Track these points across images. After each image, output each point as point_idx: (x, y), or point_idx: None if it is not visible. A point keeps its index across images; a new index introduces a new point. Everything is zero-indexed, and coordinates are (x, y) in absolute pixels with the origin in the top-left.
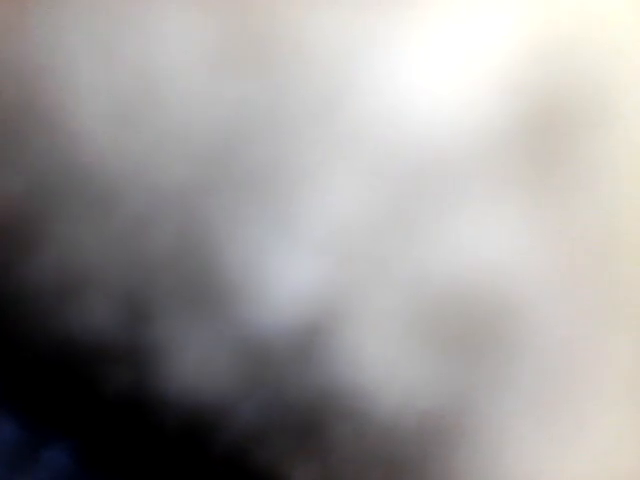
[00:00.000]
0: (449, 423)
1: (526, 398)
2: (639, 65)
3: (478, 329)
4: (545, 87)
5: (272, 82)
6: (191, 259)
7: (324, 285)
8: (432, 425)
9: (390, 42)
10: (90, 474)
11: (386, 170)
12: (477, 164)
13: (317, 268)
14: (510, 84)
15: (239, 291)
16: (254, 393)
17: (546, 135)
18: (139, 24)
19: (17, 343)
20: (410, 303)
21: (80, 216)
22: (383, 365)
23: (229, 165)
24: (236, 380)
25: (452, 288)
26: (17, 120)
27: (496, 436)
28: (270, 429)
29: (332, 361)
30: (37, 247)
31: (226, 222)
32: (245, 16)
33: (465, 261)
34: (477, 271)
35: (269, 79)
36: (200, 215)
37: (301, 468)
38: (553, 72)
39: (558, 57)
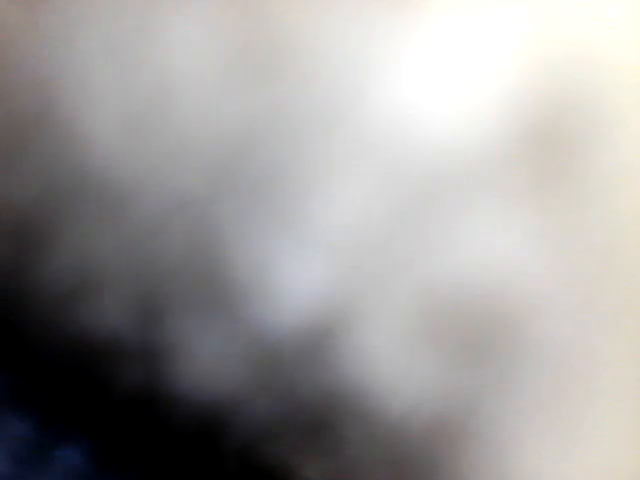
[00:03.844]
0: (457, 424)
1: (531, 400)
2: None
3: (485, 333)
4: (550, 96)
5: (281, 92)
6: (204, 261)
7: (334, 288)
8: (440, 426)
9: (399, 53)
10: (103, 472)
11: (394, 178)
12: (484, 173)
13: (327, 271)
14: (515, 94)
15: (251, 292)
16: (265, 392)
17: (552, 144)
18: (152, 35)
19: (32, 342)
20: (419, 307)
21: (95, 219)
22: (392, 367)
23: (241, 169)
24: (248, 379)
25: (460, 293)
26: (33, 126)
27: (502, 437)
28: (281, 427)
29: (342, 362)
30: (52, 249)
31: (238, 225)
32: (254, 29)
33: (472, 267)
34: (484, 278)
35: (278, 89)
36: (212, 218)
37: (312, 466)
38: (557, 82)
39: (562, 67)
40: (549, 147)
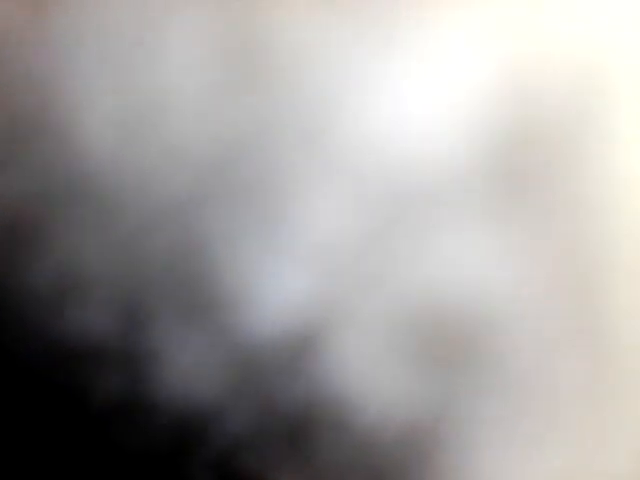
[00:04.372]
0: (427, 432)
1: (498, 410)
2: (621, 87)
3: (455, 346)
4: (523, 110)
5: (267, 104)
6: (186, 269)
7: (311, 298)
8: (411, 434)
9: (379, 72)
10: None
11: (371, 191)
12: (458, 186)
13: (305, 283)
14: (489, 109)
15: (231, 301)
16: (243, 401)
17: (525, 156)
18: (146, 45)
19: (13, 348)
20: (391, 320)
21: (81, 223)
22: (366, 377)
23: (225, 180)
24: (226, 388)
25: (432, 304)
26: (26, 128)
27: (470, 445)
28: (258, 436)
29: (317, 372)
30: (38, 252)
31: (221, 235)
32: (243, 40)
33: (446, 278)
34: (457, 288)
35: (265, 100)
36: (196, 227)
37: (287, 474)
38: (531, 96)
39: (537, 81)
40: (525, 158)
